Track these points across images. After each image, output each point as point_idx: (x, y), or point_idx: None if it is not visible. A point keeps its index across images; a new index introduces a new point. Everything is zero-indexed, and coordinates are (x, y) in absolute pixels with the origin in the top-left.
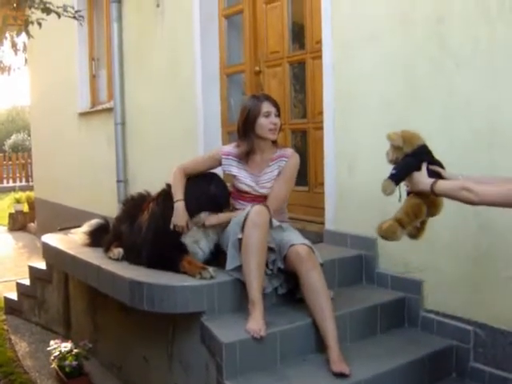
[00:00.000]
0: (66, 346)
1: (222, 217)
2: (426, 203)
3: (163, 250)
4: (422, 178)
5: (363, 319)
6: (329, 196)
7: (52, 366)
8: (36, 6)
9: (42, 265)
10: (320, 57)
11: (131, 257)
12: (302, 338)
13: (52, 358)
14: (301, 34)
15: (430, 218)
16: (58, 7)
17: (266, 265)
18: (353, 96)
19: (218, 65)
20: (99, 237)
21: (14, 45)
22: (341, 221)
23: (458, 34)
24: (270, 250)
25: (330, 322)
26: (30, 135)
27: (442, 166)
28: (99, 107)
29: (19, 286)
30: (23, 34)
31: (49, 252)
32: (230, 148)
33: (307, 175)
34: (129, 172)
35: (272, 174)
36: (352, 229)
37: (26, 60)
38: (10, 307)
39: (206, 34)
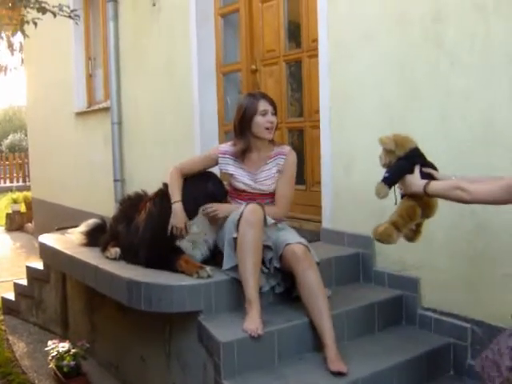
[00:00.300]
0: (64, 346)
1: (227, 207)
2: (420, 205)
3: (160, 249)
4: (415, 180)
5: (360, 317)
6: (326, 194)
7: (50, 366)
8: (31, 5)
9: (39, 265)
10: (316, 55)
11: (128, 256)
12: (299, 337)
13: (50, 358)
14: (297, 32)
15: (426, 219)
16: (53, 6)
17: (263, 263)
18: (349, 95)
19: (215, 63)
20: (96, 236)
21: (10, 45)
22: (338, 219)
23: (454, 32)
24: (267, 248)
25: (327, 321)
26: (26, 135)
27: (434, 168)
28: (96, 107)
29: (17, 287)
30: (19, 34)
31: (46, 252)
32: (227, 147)
33: (304, 174)
34: (126, 171)
35: (270, 171)
36: (349, 227)
37: (22, 60)
38: (8, 307)
39: (202, 33)
